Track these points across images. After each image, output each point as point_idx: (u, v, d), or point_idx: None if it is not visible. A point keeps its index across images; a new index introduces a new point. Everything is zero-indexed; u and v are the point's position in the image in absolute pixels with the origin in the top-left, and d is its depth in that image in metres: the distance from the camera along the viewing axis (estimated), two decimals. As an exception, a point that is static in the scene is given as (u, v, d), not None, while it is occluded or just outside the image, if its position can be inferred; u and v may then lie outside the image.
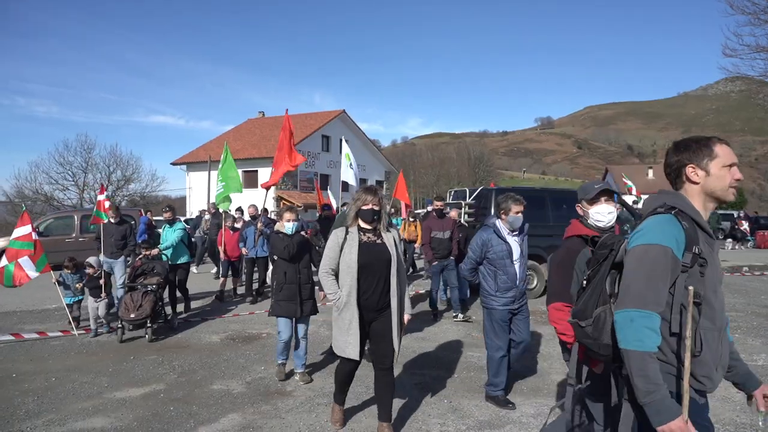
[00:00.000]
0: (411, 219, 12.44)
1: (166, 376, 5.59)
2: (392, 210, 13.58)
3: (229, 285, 10.57)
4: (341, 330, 3.81)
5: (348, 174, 11.67)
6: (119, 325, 6.96)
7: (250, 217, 10.34)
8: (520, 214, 4.63)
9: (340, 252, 3.81)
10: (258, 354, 6.36)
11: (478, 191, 10.25)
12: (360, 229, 3.89)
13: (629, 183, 22.79)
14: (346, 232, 3.85)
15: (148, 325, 6.94)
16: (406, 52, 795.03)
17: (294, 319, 5.28)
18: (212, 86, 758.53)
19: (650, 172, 63.89)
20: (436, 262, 8.09)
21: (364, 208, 3.85)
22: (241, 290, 10.56)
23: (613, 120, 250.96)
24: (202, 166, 32.69)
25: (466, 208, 10.02)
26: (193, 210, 35.47)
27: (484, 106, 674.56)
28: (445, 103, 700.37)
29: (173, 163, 37.08)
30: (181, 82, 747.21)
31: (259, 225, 9.39)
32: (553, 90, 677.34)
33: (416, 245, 12.01)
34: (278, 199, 31.93)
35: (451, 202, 11.05)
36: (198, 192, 34.09)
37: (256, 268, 10.05)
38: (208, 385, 5.29)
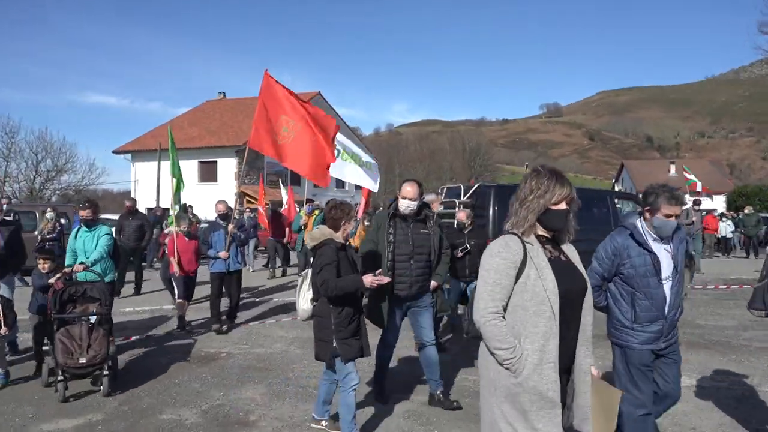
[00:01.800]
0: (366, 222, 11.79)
1: (105, 404, 5.51)
2: None
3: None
4: (522, 410, 2.58)
5: (355, 174, 10.10)
6: (59, 378, 5.63)
7: (219, 216, 8.93)
8: (674, 219, 3.77)
9: (517, 277, 2.63)
10: (216, 377, 6.32)
11: (474, 188, 10.30)
12: (537, 237, 2.75)
13: (692, 177, 20.36)
14: (523, 244, 2.67)
15: (105, 372, 5.78)
16: (392, 28, 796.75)
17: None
18: (163, 61, 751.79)
19: (672, 168, 64.82)
20: None
21: (556, 207, 2.71)
22: (194, 315, 9.79)
23: (630, 107, 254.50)
24: (151, 156, 32.35)
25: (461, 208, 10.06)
26: (138, 207, 35.05)
27: (481, 90, 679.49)
28: (436, 87, 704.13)
29: (115, 152, 36.79)
30: (125, 55, 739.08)
31: (230, 227, 8.29)
32: (561, 72, 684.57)
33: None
34: (241, 195, 31.75)
35: (445, 200, 11.09)
36: (145, 186, 33.74)
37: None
38: (156, 415, 5.22)
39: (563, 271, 2.69)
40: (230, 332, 8.49)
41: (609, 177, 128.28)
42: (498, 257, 2.62)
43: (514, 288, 2.61)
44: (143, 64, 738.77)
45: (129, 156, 36.61)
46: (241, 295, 9.93)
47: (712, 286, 13.19)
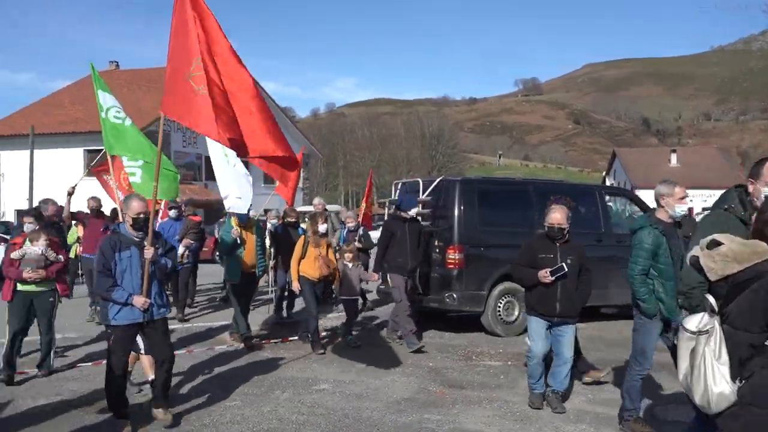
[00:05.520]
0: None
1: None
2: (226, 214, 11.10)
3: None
4: None
5: (227, 175, 9.43)
6: None
7: (133, 223, 6.28)
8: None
9: None
10: None
11: (436, 183, 10.43)
12: None
13: None
14: None
15: None
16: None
17: None
18: (35, 17, 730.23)
19: (673, 158, 66.64)
20: None
21: None
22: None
23: (622, 84, 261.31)
24: (21, 143, 31.41)
25: (420, 207, 10.07)
26: (5, 209, 33.88)
27: (443, 62, 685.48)
28: (388, 58, 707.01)
29: None
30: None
31: (148, 253, 6.09)
32: (540, 41, 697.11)
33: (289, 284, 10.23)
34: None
35: (396, 199, 11.08)
36: (14, 181, 32.76)
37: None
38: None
39: None
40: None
41: (599, 168, 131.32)
42: None
43: None
44: (5, 20, 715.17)
45: (-7, 144, 35.14)
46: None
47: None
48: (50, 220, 9.30)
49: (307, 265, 9.19)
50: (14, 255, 7.73)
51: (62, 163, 29.62)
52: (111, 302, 5.96)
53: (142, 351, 6.78)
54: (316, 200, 13.38)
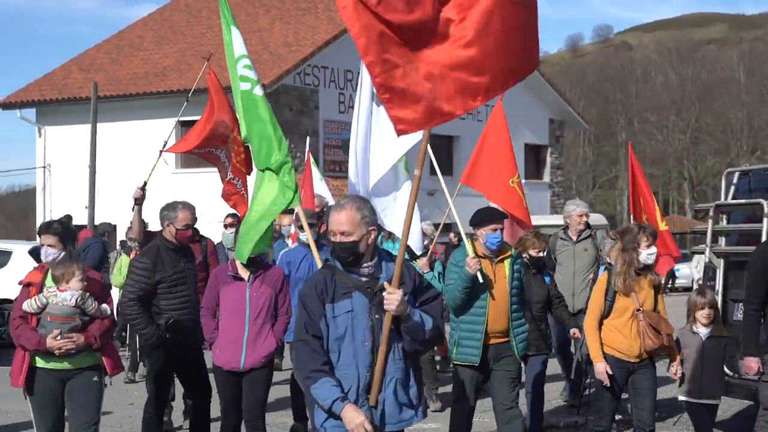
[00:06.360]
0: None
1: None
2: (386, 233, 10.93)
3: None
4: None
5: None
6: None
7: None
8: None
9: None
10: None
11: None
12: None
13: None
14: None
15: None
16: None
17: None
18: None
19: None
20: None
21: None
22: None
23: None
24: (76, 112, 29.57)
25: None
26: (52, 219, 33.45)
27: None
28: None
29: (3, 105, 34.50)
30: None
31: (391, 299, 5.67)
32: None
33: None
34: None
35: (730, 202, 9.83)
36: (66, 176, 30.81)
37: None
38: None
39: None
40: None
41: None
42: None
43: None
44: None
45: (32, 113, 34.02)
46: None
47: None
48: (182, 240, 8.50)
49: (616, 330, 7.42)
50: (28, 306, 6.86)
51: (143, 143, 26.68)
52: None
53: None
54: (572, 205, 11.42)
